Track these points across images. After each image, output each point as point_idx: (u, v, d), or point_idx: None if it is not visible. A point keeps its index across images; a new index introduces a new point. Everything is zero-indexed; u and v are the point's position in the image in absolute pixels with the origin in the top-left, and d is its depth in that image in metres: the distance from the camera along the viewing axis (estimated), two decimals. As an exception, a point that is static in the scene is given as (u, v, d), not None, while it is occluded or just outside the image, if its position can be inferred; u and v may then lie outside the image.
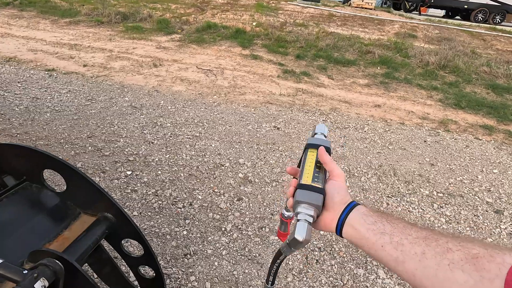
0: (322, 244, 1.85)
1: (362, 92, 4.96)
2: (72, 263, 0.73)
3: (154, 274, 1.09)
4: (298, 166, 0.67)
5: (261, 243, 1.82)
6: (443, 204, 2.43)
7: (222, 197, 2.18)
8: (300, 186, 0.54)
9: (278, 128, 3.40)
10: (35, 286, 0.60)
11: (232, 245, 1.78)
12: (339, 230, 0.52)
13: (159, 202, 2.05)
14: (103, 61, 5.07)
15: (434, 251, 0.41)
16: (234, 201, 2.17)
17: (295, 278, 1.61)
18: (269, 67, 5.60)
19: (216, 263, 1.65)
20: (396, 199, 2.42)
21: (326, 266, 1.69)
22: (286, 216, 0.72)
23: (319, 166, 0.57)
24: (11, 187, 0.93)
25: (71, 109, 3.25)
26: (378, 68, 6.05)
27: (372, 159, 3.00)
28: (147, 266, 1.10)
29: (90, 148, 2.59)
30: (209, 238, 1.81)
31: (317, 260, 1.73)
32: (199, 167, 2.52)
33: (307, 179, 0.55)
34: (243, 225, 1.93)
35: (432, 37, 8.52)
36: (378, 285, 1.63)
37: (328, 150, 0.59)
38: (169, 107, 3.62)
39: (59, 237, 0.89)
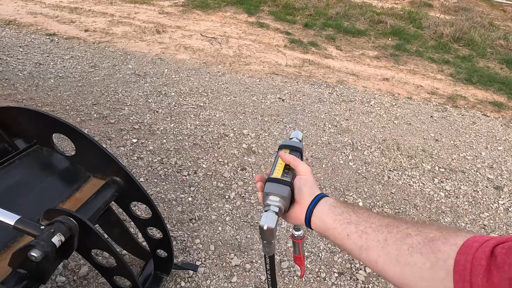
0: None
1: (371, 65, 4.82)
2: (85, 221, 0.77)
3: (162, 236, 1.15)
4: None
5: (263, 211, 1.88)
6: (444, 179, 2.46)
7: (226, 166, 2.22)
8: (269, 180, 0.57)
9: (283, 100, 3.37)
10: (52, 240, 0.64)
11: (235, 212, 1.85)
12: (307, 221, 0.53)
13: (165, 169, 2.10)
14: (105, 26, 4.92)
15: (395, 237, 0.43)
16: (238, 170, 2.21)
17: (295, 244, 1.69)
18: (276, 36, 5.41)
19: (220, 228, 1.73)
20: (398, 173, 2.45)
21: (325, 234, 1.76)
22: (296, 236, 0.71)
23: (288, 167, 0.59)
24: (23, 150, 0.95)
25: (74, 76, 3.22)
26: (389, 39, 5.81)
27: (377, 133, 2.99)
28: (154, 228, 1.15)
29: (95, 115, 2.60)
30: (213, 205, 1.88)
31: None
32: (204, 136, 2.54)
33: (276, 174, 0.57)
34: (246, 193, 1.99)
35: (449, 6, 8.06)
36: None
37: (299, 151, 0.62)
38: (173, 76, 3.57)
39: (71, 198, 0.93)
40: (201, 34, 5.10)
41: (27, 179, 0.91)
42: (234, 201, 1.93)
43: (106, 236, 1.32)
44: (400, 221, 0.45)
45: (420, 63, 5.04)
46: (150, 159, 2.19)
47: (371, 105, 3.54)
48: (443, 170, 2.57)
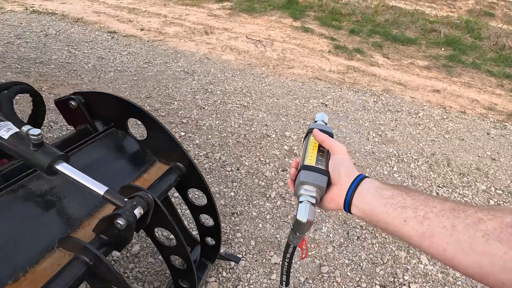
0: (364, 223, 1.86)
1: (420, 75, 4.59)
2: (155, 199, 0.84)
3: (213, 224, 1.21)
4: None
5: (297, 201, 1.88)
6: (501, 202, 2.26)
7: (267, 166, 2.25)
8: (304, 167, 0.52)
9: (326, 105, 3.33)
10: (134, 211, 0.71)
11: (276, 211, 1.87)
12: (347, 205, 0.48)
13: (210, 163, 2.19)
14: (158, 26, 5.24)
15: (464, 222, 0.38)
16: (279, 171, 2.23)
17: (335, 250, 1.66)
18: (320, 41, 5.37)
19: (260, 225, 1.76)
20: (447, 190, 2.30)
21: (366, 244, 1.71)
22: None
23: (322, 150, 0.55)
24: (102, 131, 1.06)
25: (131, 70, 3.47)
26: (442, 49, 5.49)
27: (425, 146, 2.84)
28: (206, 215, 1.21)
29: (148, 107, 2.79)
30: (254, 202, 1.92)
31: (358, 236, 1.76)
32: (246, 135, 2.60)
33: (310, 161, 0.53)
34: (287, 194, 2.00)
35: (513, 17, 7.40)
36: (419, 270, 1.63)
37: (330, 135, 0.58)
38: (219, 75, 3.69)
39: (141, 178, 1.02)
40: (246, 36, 5.23)
41: (104, 158, 1.01)
42: (275, 200, 1.95)
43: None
44: (466, 205, 0.41)
45: (476, 76, 4.69)
46: (197, 152, 2.29)
47: (419, 116, 3.38)
48: (500, 192, 2.37)
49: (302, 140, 0.64)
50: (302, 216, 0.48)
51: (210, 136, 2.51)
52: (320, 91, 3.66)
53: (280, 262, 0.61)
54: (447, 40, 5.68)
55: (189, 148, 2.32)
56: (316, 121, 0.64)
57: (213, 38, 5.02)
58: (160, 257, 1.46)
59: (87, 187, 0.72)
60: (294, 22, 6.15)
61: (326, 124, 0.63)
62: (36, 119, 1.05)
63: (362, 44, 5.44)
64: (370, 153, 2.64)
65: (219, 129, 2.62)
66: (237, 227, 1.71)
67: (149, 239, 1.54)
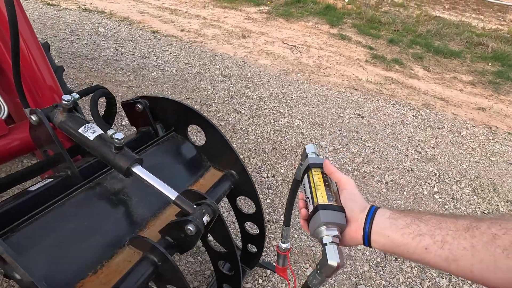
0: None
1: (464, 91, 4.36)
2: (215, 208, 0.87)
3: (258, 232, 1.23)
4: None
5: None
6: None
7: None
8: (321, 207, 0.50)
9: (362, 117, 3.26)
10: (203, 219, 0.74)
11: (311, 222, 1.86)
12: (366, 240, 0.48)
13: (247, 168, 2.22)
14: (198, 27, 5.40)
15: (482, 241, 0.39)
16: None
17: (372, 269, 1.62)
18: (357, 50, 5.27)
19: (295, 236, 1.76)
20: (493, 217, 2.17)
21: (405, 267, 1.66)
22: (283, 248, 0.67)
23: (327, 185, 0.55)
24: (163, 135, 1.12)
25: (172, 71, 3.61)
26: (489, 64, 5.19)
27: (468, 168, 2.70)
28: (252, 223, 1.24)
29: (188, 108, 2.88)
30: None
31: (396, 258, 1.70)
32: (282, 142, 2.61)
33: (323, 199, 0.52)
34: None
35: None
36: (460, 300, 1.55)
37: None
38: (255, 80, 3.74)
39: (197, 183, 1.06)
40: (283, 41, 5.25)
41: (165, 161, 1.07)
42: (310, 211, 1.94)
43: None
44: (478, 221, 0.41)
45: (527, 95, 4.38)
46: (233, 156, 2.33)
47: (462, 135, 3.21)
48: (552, 224, 2.19)
49: (300, 175, 0.64)
50: (334, 260, 0.47)
51: (246, 141, 2.54)
52: (356, 101, 3.60)
53: None
54: (495, 55, 5.36)
55: (226, 151, 2.37)
56: (307, 154, 0.63)
57: (250, 41, 5.09)
58: (199, 257, 1.51)
59: (159, 190, 0.77)
60: (331, 29, 6.08)
61: (317, 155, 0.63)
62: (108, 119, 1.13)
63: (401, 55, 5.27)
64: (408, 170, 2.55)
65: (255, 134, 2.66)
66: (272, 235, 1.73)
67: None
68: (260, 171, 2.22)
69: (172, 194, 0.77)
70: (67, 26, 4.37)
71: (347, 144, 2.74)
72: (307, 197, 0.56)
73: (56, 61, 3.31)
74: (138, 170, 0.78)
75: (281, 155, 2.45)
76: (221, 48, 4.66)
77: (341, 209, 0.51)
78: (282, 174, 2.23)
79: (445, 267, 0.42)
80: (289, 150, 2.53)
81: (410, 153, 2.77)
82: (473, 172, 2.65)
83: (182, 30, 5.18)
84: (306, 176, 0.59)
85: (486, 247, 0.39)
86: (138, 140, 1.08)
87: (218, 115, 2.84)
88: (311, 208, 0.53)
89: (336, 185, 0.56)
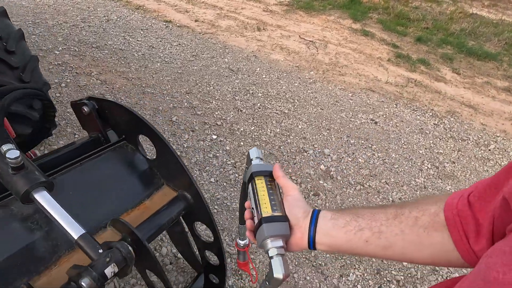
0: (402, 277, 1.57)
1: (497, 98, 3.92)
2: (145, 244, 0.70)
3: (218, 263, 1.05)
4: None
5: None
6: None
7: (298, 186, 2.04)
8: (265, 220, 0.51)
9: (375, 122, 2.97)
10: (105, 271, 0.58)
11: (299, 243, 1.66)
12: (312, 244, 0.50)
13: (236, 174, 2.04)
14: (213, 18, 5.21)
15: (408, 225, 0.44)
16: (310, 194, 2.01)
17: None
18: (380, 48, 4.89)
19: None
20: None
21: None
22: (242, 245, 0.69)
23: (271, 193, 0.54)
24: (111, 144, 0.96)
25: (177, 63, 3.47)
26: (530, 69, 4.64)
27: (493, 188, 2.36)
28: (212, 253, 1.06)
29: (186, 104, 2.73)
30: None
31: None
32: (281, 147, 2.40)
33: (266, 210, 0.52)
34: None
35: None
36: None
37: (270, 173, 0.57)
38: (264, 76, 3.52)
39: (141, 206, 0.90)
40: (299, 36, 4.96)
41: (108, 175, 0.91)
42: (300, 229, 1.74)
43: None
44: (402, 207, 0.46)
45: None
46: (225, 160, 2.16)
47: (489, 149, 2.85)
48: None
49: (246, 184, 0.60)
50: (279, 273, 0.48)
51: (242, 143, 2.36)
52: (371, 104, 3.30)
53: None
54: (539, 59, 4.79)
55: (218, 154, 2.20)
56: (251, 160, 0.61)
57: (264, 35, 4.85)
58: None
59: (61, 226, 0.61)
60: (354, 24, 5.70)
61: (262, 160, 0.62)
62: (44, 124, 0.99)
63: (429, 55, 4.84)
64: (421, 187, 2.27)
65: (253, 136, 2.46)
66: (252, 256, 1.55)
67: (157, 253, 1.45)
68: (251, 178, 2.04)
69: (76, 231, 0.60)
70: (80, 13, 4.33)
71: (353, 153, 2.48)
72: (253, 208, 0.56)
73: (60, 48, 3.28)
74: (40, 196, 0.62)
75: (278, 161, 2.25)
76: (233, 40, 4.46)
77: (285, 218, 0.52)
78: (275, 183, 2.04)
79: (383, 255, 0.46)
80: (287, 156, 2.32)
81: (426, 167, 2.47)
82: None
83: (196, 21, 5.02)
84: (250, 185, 0.58)
85: (411, 230, 0.43)
86: (81, 147, 0.92)
87: (216, 113, 2.67)
88: (256, 220, 0.53)
89: (279, 191, 0.56)
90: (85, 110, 0.95)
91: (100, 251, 0.60)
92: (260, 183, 0.56)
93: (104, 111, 0.97)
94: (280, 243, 0.50)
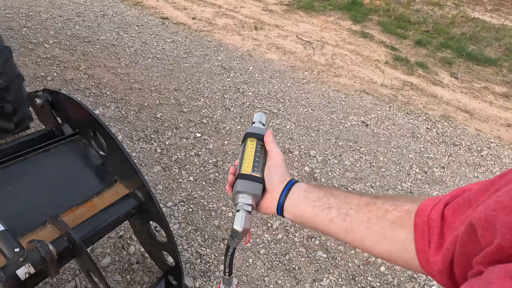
0: (378, 284, 1.52)
1: (494, 103, 3.85)
2: (80, 245, 0.66)
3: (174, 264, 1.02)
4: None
5: (305, 255, 1.60)
6: None
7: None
8: (240, 176, 0.53)
9: (366, 125, 2.92)
10: (17, 272, 0.54)
11: (274, 246, 1.62)
12: (279, 210, 0.51)
13: (216, 174, 2.01)
14: (210, 16, 5.18)
15: (376, 215, 0.44)
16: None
17: (332, 312, 1.37)
18: (378, 50, 4.83)
19: (250, 260, 1.53)
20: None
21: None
22: None
23: (258, 156, 0.56)
24: (64, 137, 0.92)
25: (169, 59, 3.44)
26: (530, 76, 4.56)
27: (481, 196, 2.31)
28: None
29: (173, 101, 2.70)
30: (252, 230, 1.69)
31: (365, 301, 1.43)
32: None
33: (246, 168, 0.54)
34: (292, 227, 1.73)
35: None
36: None
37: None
38: (256, 75, 3.48)
39: (88, 203, 0.86)
40: (297, 36, 4.91)
41: (56, 170, 0.88)
42: (276, 232, 1.70)
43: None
44: (376, 198, 0.46)
45: None
46: (206, 158, 2.12)
47: (481, 155, 2.79)
48: None
49: (241, 143, 0.61)
50: (238, 225, 0.50)
51: (226, 142, 2.32)
52: (364, 107, 3.24)
53: (223, 261, 0.63)
54: (540, 65, 4.71)
55: (200, 152, 2.17)
56: (254, 123, 0.63)
57: (261, 34, 4.81)
58: (128, 276, 1.33)
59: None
60: (353, 26, 5.64)
61: (264, 125, 0.64)
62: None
63: (428, 58, 4.77)
64: (407, 192, 2.22)
65: (239, 135, 2.42)
66: (223, 258, 1.51)
67: (124, 252, 1.41)
68: (232, 178, 2.00)
69: (-7, 228, 0.56)
70: (76, 7, 4.31)
71: (340, 155, 2.44)
72: (237, 165, 0.58)
73: (51, 41, 3.25)
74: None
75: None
76: (229, 39, 4.42)
77: (261, 180, 0.53)
78: (255, 184, 1.99)
79: (343, 237, 0.46)
80: (272, 157, 2.27)
81: (414, 171, 2.42)
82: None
83: (193, 18, 4.99)
84: (242, 144, 0.60)
85: (378, 220, 0.43)
86: (31, 141, 0.89)
87: (203, 111, 2.63)
88: (236, 174, 0.56)
89: (266, 156, 0.57)
90: (38, 102, 0.92)
91: (17, 250, 0.56)
92: (251, 144, 0.58)
93: (58, 104, 0.93)
94: (249, 200, 0.51)
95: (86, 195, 0.87)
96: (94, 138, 0.94)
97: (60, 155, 0.90)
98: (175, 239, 1.50)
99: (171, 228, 1.57)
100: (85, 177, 0.91)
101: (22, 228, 0.74)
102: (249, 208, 0.52)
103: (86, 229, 0.76)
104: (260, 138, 0.58)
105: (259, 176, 0.54)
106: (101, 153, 0.94)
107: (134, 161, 0.89)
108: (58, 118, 1.02)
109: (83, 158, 0.93)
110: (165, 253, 1.07)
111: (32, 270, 0.56)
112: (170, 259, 1.13)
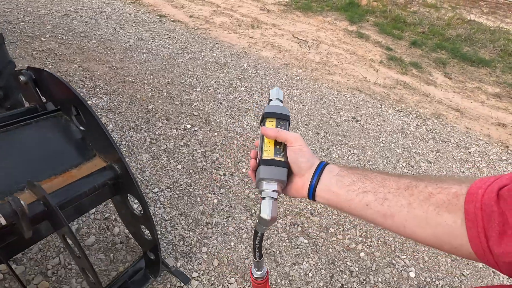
0: (357, 268, 1.56)
1: (486, 103, 3.89)
2: (54, 208, 0.71)
3: (150, 237, 1.06)
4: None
5: (286, 240, 1.64)
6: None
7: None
8: (263, 162, 0.51)
9: (356, 121, 2.97)
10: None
11: (256, 231, 1.66)
12: (311, 194, 0.50)
13: (204, 163, 2.05)
14: (208, 14, 5.24)
15: (418, 199, 0.41)
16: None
17: (309, 294, 1.40)
18: (373, 50, 4.88)
19: (232, 243, 1.57)
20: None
21: None
22: (255, 277, 0.63)
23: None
24: (44, 113, 0.97)
25: (164, 55, 3.49)
26: (523, 76, 4.60)
27: (466, 189, 2.34)
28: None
29: (165, 94, 2.74)
30: (236, 215, 1.73)
31: (343, 284, 1.47)
32: (255, 139, 2.40)
33: (268, 153, 0.52)
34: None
35: None
36: None
37: (285, 117, 0.55)
38: (250, 71, 3.53)
39: (66, 173, 0.90)
40: (293, 35, 4.97)
41: (36, 143, 0.92)
42: (260, 218, 1.74)
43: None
44: (417, 180, 0.43)
45: (562, 114, 3.82)
46: (195, 148, 2.17)
47: (469, 152, 2.83)
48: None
49: (259, 125, 0.59)
50: (266, 213, 0.49)
51: (216, 134, 2.36)
52: (355, 103, 3.29)
53: (252, 243, 0.63)
54: (533, 66, 4.76)
55: (189, 143, 2.21)
56: (271, 100, 0.59)
57: (258, 32, 4.86)
58: (111, 255, 1.37)
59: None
60: (350, 26, 5.70)
61: (281, 101, 0.60)
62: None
63: (422, 59, 4.82)
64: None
65: (228, 127, 2.47)
66: (205, 240, 1.55)
67: (109, 232, 1.45)
68: (219, 167, 2.04)
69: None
70: (74, 3, 4.38)
71: (328, 149, 2.48)
72: (258, 148, 0.56)
73: (47, 35, 3.31)
74: None
75: (249, 152, 2.25)
76: (225, 36, 4.48)
77: (284, 164, 0.51)
78: (242, 174, 2.04)
79: (381, 222, 0.45)
80: (260, 148, 2.32)
81: (400, 165, 2.46)
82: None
83: (190, 16, 5.05)
84: (261, 126, 0.57)
85: (421, 204, 0.41)
86: (14, 116, 0.93)
87: (194, 103, 2.68)
88: (258, 159, 0.54)
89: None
90: (22, 79, 0.96)
91: (-12, 203, 0.61)
92: (270, 125, 0.55)
93: (42, 82, 0.98)
94: (274, 186, 0.50)
95: (65, 167, 0.91)
96: (76, 115, 0.99)
97: (41, 129, 0.94)
98: (160, 222, 1.54)
99: (156, 212, 1.61)
100: (65, 150, 0.95)
101: (1, 193, 0.78)
102: (275, 195, 0.50)
103: (62, 195, 0.81)
104: (279, 117, 0.55)
105: (282, 160, 0.51)
106: (81, 128, 0.98)
107: (113, 137, 0.94)
108: (43, 98, 1.07)
109: (64, 132, 0.97)
110: (146, 230, 1.11)
111: (4, 222, 0.61)
112: (150, 237, 1.17)
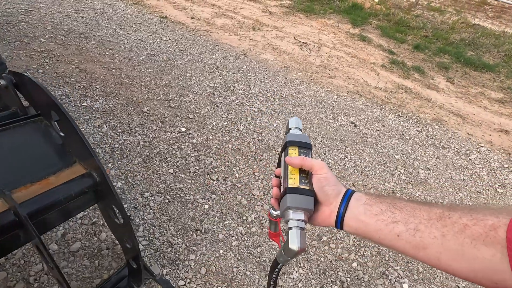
0: (348, 279, 1.52)
1: (489, 109, 3.83)
2: (23, 218, 0.68)
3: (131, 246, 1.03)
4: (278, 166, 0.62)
5: (277, 249, 1.60)
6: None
7: (259, 182, 2.01)
8: (290, 190, 0.51)
9: (355, 125, 2.93)
10: None
11: (246, 239, 1.63)
12: (339, 223, 0.49)
13: (196, 167, 2.02)
14: (209, 16, 5.24)
15: (452, 231, 0.40)
16: (270, 191, 1.97)
17: (298, 305, 1.37)
18: (375, 53, 4.84)
19: (221, 251, 1.54)
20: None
21: (340, 308, 1.38)
22: (274, 215, 0.66)
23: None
24: (24, 118, 0.95)
25: (163, 56, 3.48)
26: (528, 82, 4.53)
27: (466, 198, 2.29)
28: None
29: (162, 96, 2.73)
30: (227, 222, 1.70)
31: (333, 295, 1.43)
32: (251, 143, 2.37)
33: (293, 181, 0.52)
34: (267, 221, 1.74)
35: None
36: None
37: (309, 146, 0.56)
38: (249, 74, 3.51)
39: (44, 181, 0.88)
40: (294, 37, 4.94)
41: (11, 149, 0.90)
42: (251, 225, 1.71)
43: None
44: (450, 210, 0.42)
45: None
46: (189, 152, 2.14)
47: (470, 159, 2.77)
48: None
49: (279, 153, 0.59)
50: (295, 244, 0.48)
51: (211, 137, 2.34)
52: (355, 108, 3.25)
53: (267, 277, 0.62)
54: (538, 72, 4.68)
55: (183, 146, 2.19)
56: (290, 129, 0.60)
57: (259, 35, 4.85)
58: (96, 261, 1.34)
59: None
60: (352, 29, 5.66)
61: (301, 130, 0.61)
62: None
63: (425, 63, 4.77)
64: (389, 191, 2.21)
65: (224, 131, 2.44)
66: (194, 248, 1.52)
67: (95, 238, 1.43)
68: (212, 172, 2.01)
69: None
70: (76, 4, 4.39)
71: (325, 154, 2.44)
72: (281, 177, 0.56)
73: (47, 36, 3.32)
74: None
75: (243, 157, 2.22)
76: (226, 38, 4.47)
77: (311, 193, 0.51)
78: (235, 178, 2.01)
79: (413, 253, 0.43)
80: (255, 152, 2.29)
81: (398, 172, 2.41)
82: (470, 204, 2.24)
83: (192, 18, 5.05)
84: (283, 154, 0.57)
85: (456, 236, 0.40)
86: (-6, 121, 0.91)
87: (191, 106, 2.66)
88: (282, 188, 0.54)
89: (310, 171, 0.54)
90: (2, 83, 0.94)
91: None
92: (293, 154, 0.55)
93: (22, 86, 0.96)
94: (301, 216, 0.49)
95: (42, 174, 0.89)
96: (58, 120, 0.97)
97: (19, 135, 0.92)
98: (148, 228, 1.52)
99: (145, 218, 1.59)
100: (44, 157, 0.93)
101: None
102: (303, 225, 0.49)
103: (35, 204, 0.78)
104: (302, 146, 0.55)
105: (308, 188, 0.51)
106: (61, 134, 0.96)
107: (91, 144, 0.91)
108: (27, 102, 1.05)
109: (43, 138, 0.95)
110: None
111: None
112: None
